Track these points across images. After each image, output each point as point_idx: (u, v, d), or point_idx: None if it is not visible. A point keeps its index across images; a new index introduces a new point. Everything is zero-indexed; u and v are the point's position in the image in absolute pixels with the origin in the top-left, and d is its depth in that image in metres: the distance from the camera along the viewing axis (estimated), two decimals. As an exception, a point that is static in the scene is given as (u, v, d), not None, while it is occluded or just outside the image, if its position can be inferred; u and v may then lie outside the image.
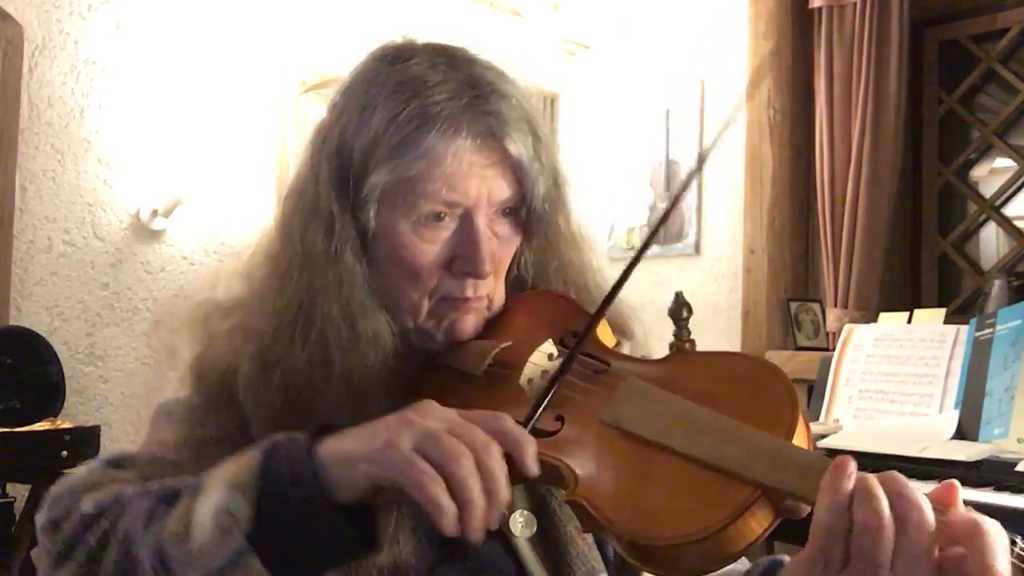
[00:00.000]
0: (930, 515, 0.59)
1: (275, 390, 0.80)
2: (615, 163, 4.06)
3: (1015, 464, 1.59)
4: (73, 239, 3.15)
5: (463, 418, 0.66)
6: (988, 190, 3.30)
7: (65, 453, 2.66)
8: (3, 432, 2.58)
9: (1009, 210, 3.26)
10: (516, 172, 0.86)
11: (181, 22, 3.38)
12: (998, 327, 1.76)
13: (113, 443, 3.15)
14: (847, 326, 2.13)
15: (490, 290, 0.88)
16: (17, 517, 2.77)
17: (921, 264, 3.41)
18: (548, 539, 0.85)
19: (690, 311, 2.91)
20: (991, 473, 1.61)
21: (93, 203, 3.19)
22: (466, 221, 0.84)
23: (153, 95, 3.30)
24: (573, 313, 0.88)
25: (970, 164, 3.36)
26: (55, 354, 2.84)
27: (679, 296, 2.88)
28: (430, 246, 0.84)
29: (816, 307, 3.36)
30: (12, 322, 2.96)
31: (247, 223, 3.57)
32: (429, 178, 0.81)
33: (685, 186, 0.81)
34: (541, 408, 0.72)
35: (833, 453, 1.96)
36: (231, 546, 0.64)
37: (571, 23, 4.30)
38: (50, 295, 3.09)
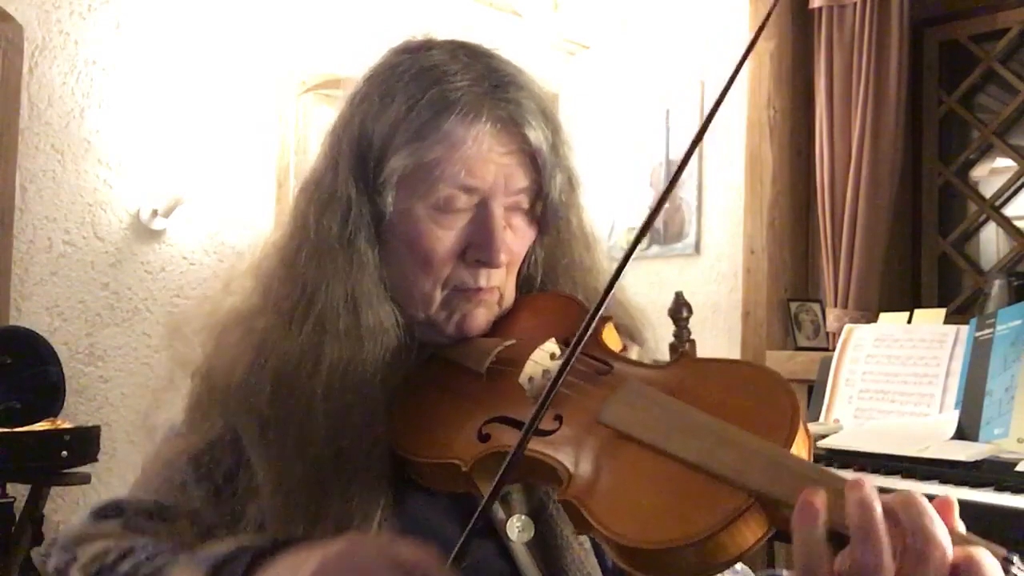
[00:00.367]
0: (950, 552, 0.55)
1: (266, 377, 0.81)
2: (615, 163, 4.06)
3: (1015, 464, 1.59)
4: (73, 239, 3.15)
5: (387, 558, 0.65)
6: (988, 190, 3.30)
7: (65, 453, 2.66)
8: (3, 432, 2.58)
9: (1009, 210, 3.26)
10: (534, 162, 0.86)
11: (181, 22, 3.38)
12: (998, 327, 1.76)
13: (113, 443, 3.16)
14: (847, 326, 2.13)
15: (501, 282, 0.88)
16: (17, 517, 2.77)
17: (921, 264, 3.41)
18: (545, 544, 0.84)
19: (690, 311, 2.92)
20: (991, 473, 1.61)
21: (93, 203, 3.19)
22: (482, 209, 0.84)
23: (153, 95, 3.30)
24: (580, 315, 0.87)
25: (970, 164, 3.36)
26: (55, 354, 2.84)
27: (679, 296, 2.88)
28: (446, 232, 0.84)
29: (816, 307, 3.36)
30: (12, 322, 2.96)
31: (247, 223, 3.57)
32: (448, 161, 0.82)
33: (688, 155, 0.78)
34: (544, 409, 0.71)
35: (833, 453, 1.96)
36: None
37: (571, 23, 4.30)
38: (50, 295, 3.09)
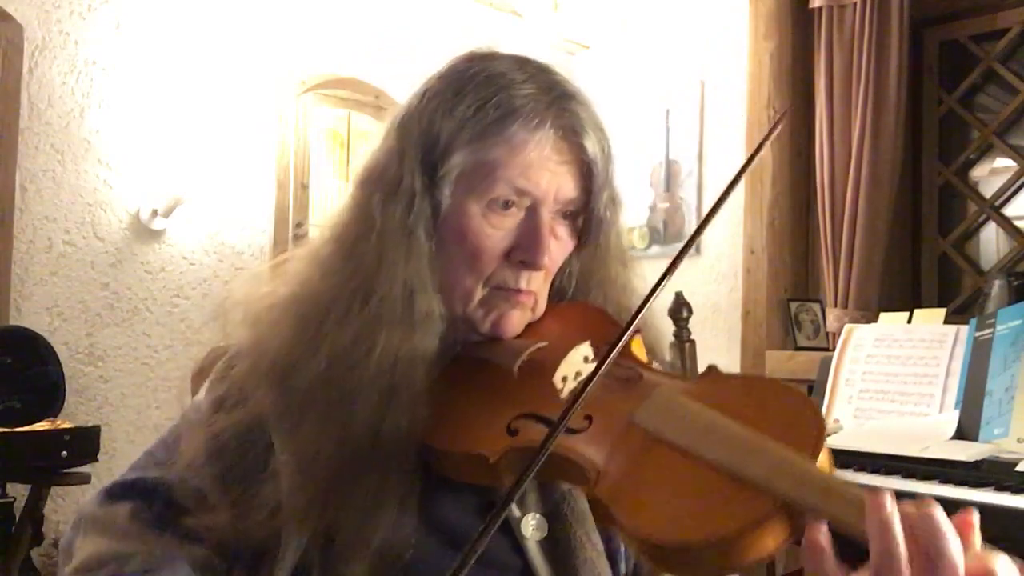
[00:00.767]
0: (961, 571, 0.57)
1: (321, 358, 0.84)
2: (615, 163, 4.06)
3: (1015, 464, 1.59)
4: (73, 239, 3.15)
5: None
6: (988, 190, 3.30)
7: (65, 453, 2.66)
8: (3, 432, 2.58)
9: (1009, 210, 3.26)
10: (586, 174, 0.90)
11: (181, 22, 3.38)
12: (998, 327, 1.76)
13: (113, 443, 3.16)
14: (847, 326, 2.13)
15: (539, 288, 0.92)
16: (17, 517, 2.77)
17: (921, 264, 3.41)
18: (558, 543, 0.86)
19: (690, 311, 2.91)
20: (991, 473, 1.61)
21: (93, 203, 3.20)
22: (531, 213, 0.88)
23: (153, 95, 3.31)
24: (609, 325, 0.90)
25: (970, 164, 3.36)
26: (55, 354, 2.84)
27: (679, 296, 2.88)
28: (495, 231, 0.88)
29: (816, 307, 3.36)
30: (12, 322, 2.96)
31: (247, 223, 3.57)
32: (507, 164, 0.86)
33: (732, 185, 0.83)
34: (576, 406, 0.72)
35: (833, 453, 1.95)
36: None
37: (571, 23, 4.30)
38: (50, 295, 3.09)
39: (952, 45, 3.37)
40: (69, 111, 3.14)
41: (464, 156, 0.87)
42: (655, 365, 0.92)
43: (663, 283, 0.80)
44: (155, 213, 3.30)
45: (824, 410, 2.09)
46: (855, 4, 3.24)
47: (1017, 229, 3.22)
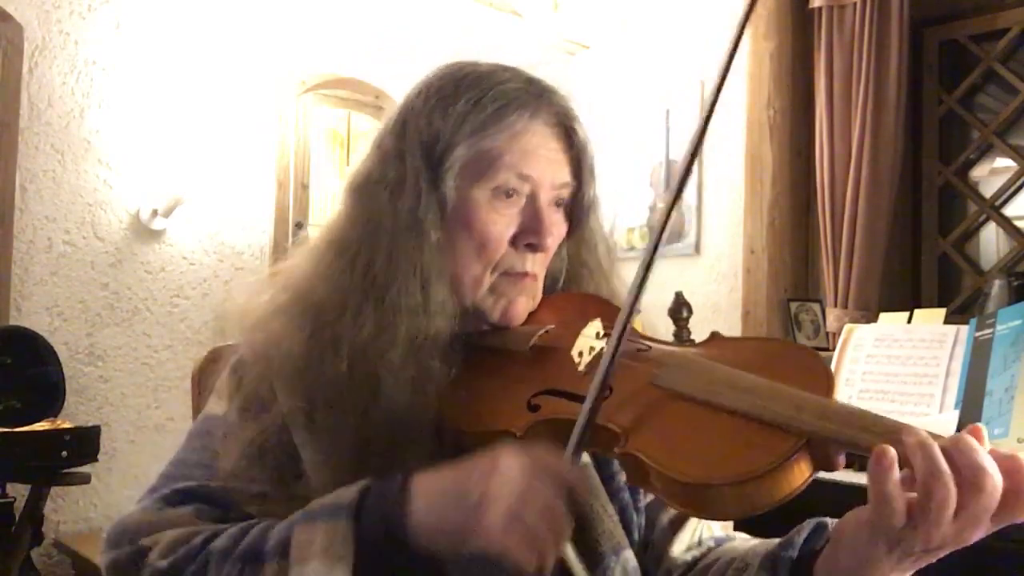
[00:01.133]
0: (999, 480, 0.64)
1: (343, 361, 0.86)
2: (615, 163, 4.06)
3: (1015, 464, 1.59)
4: (73, 239, 3.15)
5: (536, 474, 0.72)
6: (988, 190, 3.30)
7: (65, 453, 2.66)
8: (3, 432, 2.58)
9: (1009, 210, 3.26)
10: (576, 161, 0.96)
11: (181, 22, 3.38)
12: (998, 327, 1.76)
13: (113, 443, 3.16)
14: (847, 326, 2.13)
15: (540, 271, 0.96)
16: (17, 517, 2.77)
17: (921, 264, 3.41)
18: (577, 518, 0.88)
19: (690, 311, 2.91)
20: (991, 473, 1.61)
21: (93, 203, 3.20)
22: (532, 198, 0.93)
23: (153, 95, 3.31)
24: (608, 306, 0.95)
25: (970, 164, 3.36)
26: (55, 354, 2.84)
27: (679, 296, 2.88)
28: (501, 218, 0.92)
29: (816, 307, 3.36)
30: (12, 322, 2.96)
31: (247, 223, 3.57)
32: (508, 151, 0.91)
33: (697, 145, 0.85)
34: (610, 368, 0.76)
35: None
36: None
37: (571, 23, 4.30)
38: (50, 295, 3.09)
39: (952, 45, 3.37)
40: (69, 111, 3.14)
41: (466, 148, 0.91)
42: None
43: (661, 237, 0.83)
44: (155, 213, 3.30)
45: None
46: (855, 4, 3.24)
47: (1017, 229, 3.22)
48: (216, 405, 0.93)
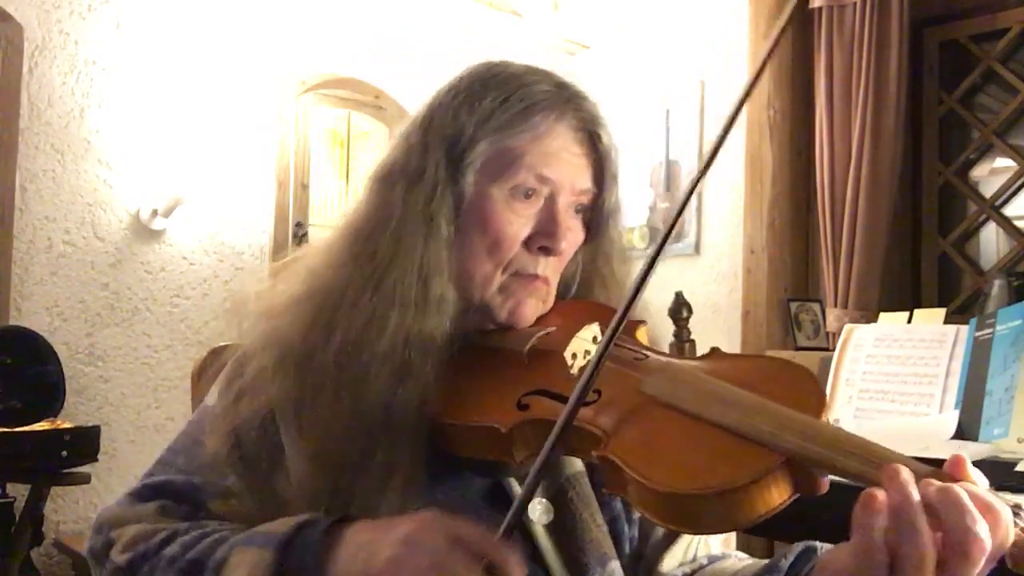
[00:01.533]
0: (988, 544, 0.61)
1: (334, 341, 0.86)
2: (621, 163, 4.06)
3: (1015, 464, 1.59)
4: (73, 239, 3.15)
5: (451, 548, 0.70)
6: (988, 190, 3.30)
7: (65, 453, 2.66)
8: (3, 432, 2.58)
9: (1009, 210, 3.26)
10: (599, 168, 0.96)
11: (181, 22, 3.38)
12: (998, 327, 1.76)
13: (113, 443, 3.16)
14: (847, 326, 2.12)
15: (552, 275, 0.96)
16: (17, 517, 2.77)
17: (921, 264, 3.41)
18: (564, 526, 0.89)
19: (690, 311, 2.91)
20: (991, 473, 1.60)
21: (93, 203, 3.20)
22: (550, 202, 0.93)
23: (153, 95, 3.31)
24: (612, 316, 0.92)
25: (970, 164, 3.36)
26: (55, 354, 2.84)
27: (679, 296, 2.88)
28: (517, 218, 0.92)
29: (816, 307, 3.36)
30: (12, 322, 2.96)
31: (247, 223, 3.57)
32: (529, 151, 0.91)
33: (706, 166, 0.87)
34: (595, 374, 0.75)
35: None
36: None
37: (571, 23, 4.30)
38: (50, 295, 3.09)
39: (952, 45, 3.37)
40: (69, 111, 3.14)
41: (488, 144, 0.91)
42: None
43: (667, 239, 0.83)
44: (155, 213, 3.30)
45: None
46: (855, 4, 3.24)
47: (1017, 229, 3.22)
48: (211, 396, 0.95)
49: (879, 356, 2.00)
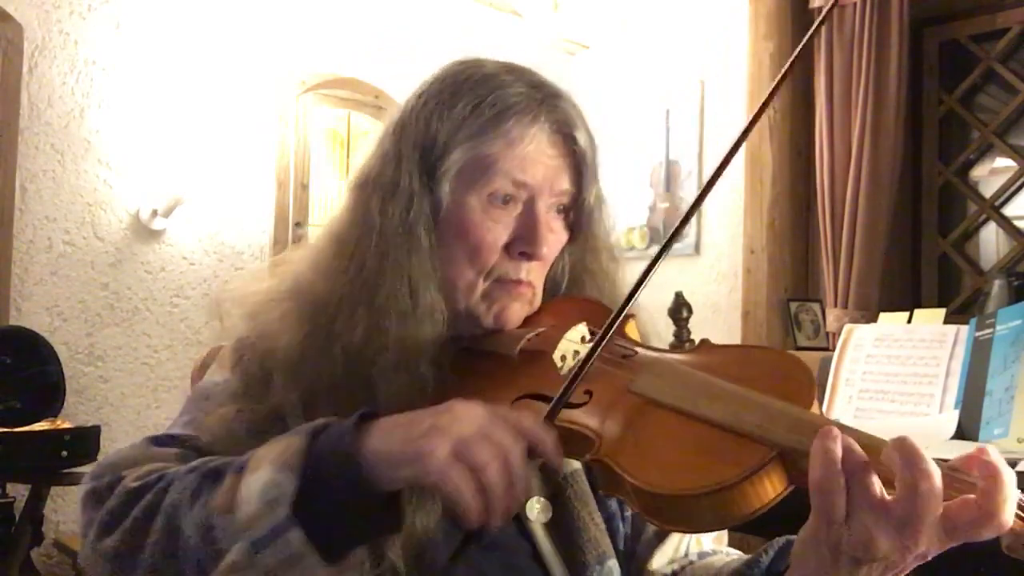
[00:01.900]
0: (939, 483, 0.63)
1: (337, 361, 0.86)
2: (615, 163, 4.06)
3: (1015, 464, 1.59)
4: (73, 239, 3.15)
5: (492, 419, 0.70)
6: (988, 190, 3.30)
7: (65, 453, 2.66)
8: (3, 432, 2.58)
9: (1009, 210, 3.26)
10: (577, 168, 0.95)
11: (181, 22, 3.38)
12: (998, 327, 1.76)
13: (113, 443, 3.15)
14: (847, 326, 2.12)
15: (537, 279, 0.95)
16: (17, 517, 2.77)
17: (921, 264, 3.41)
18: (562, 524, 0.89)
19: (690, 311, 2.91)
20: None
21: (93, 203, 3.20)
22: (529, 205, 0.92)
23: (153, 95, 3.31)
24: (603, 310, 0.93)
25: (970, 164, 3.36)
26: (55, 354, 2.84)
27: (679, 296, 2.88)
28: (496, 224, 0.91)
29: (816, 307, 3.36)
30: (12, 322, 2.96)
31: (247, 223, 3.57)
32: (504, 157, 0.90)
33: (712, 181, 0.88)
34: (575, 383, 0.76)
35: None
36: (275, 519, 0.68)
37: (571, 23, 4.30)
38: (50, 295, 3.09)
39: (952, 45, 3.37)
40: (69, 111, 3.14)
41: (463, 152, 0.90)
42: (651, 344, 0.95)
43: (665, 253, 0.82)
44: (155, 213, 3.30)
45: (824, 410, 2.09)
46: (855, 4, 3.24)
47: (1017, 229, 3.22)
48: (217, 373, 0.95)
49: (879, 356, 2.00)
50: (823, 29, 3.34)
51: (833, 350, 2.17)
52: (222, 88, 3.47)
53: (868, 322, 2.24)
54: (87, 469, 2.97)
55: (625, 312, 0.81)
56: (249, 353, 0.92)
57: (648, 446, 0.73)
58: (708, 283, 3.77)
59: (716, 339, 0.91)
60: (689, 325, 2.89)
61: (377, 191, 0.92)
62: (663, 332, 1.05)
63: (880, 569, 0.65)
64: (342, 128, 3.98)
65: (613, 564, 0.89)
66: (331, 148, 3.95)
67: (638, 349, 0.87)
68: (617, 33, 4.23)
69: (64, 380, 2.84)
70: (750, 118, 0.85)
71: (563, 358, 0.88)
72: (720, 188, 3.71)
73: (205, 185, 3.39)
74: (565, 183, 0.94)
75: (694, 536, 0.97)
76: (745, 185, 3.60)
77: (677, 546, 0.96)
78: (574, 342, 0.89)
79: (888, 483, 0.64)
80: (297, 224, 3.73)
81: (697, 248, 3.83)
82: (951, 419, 1.79)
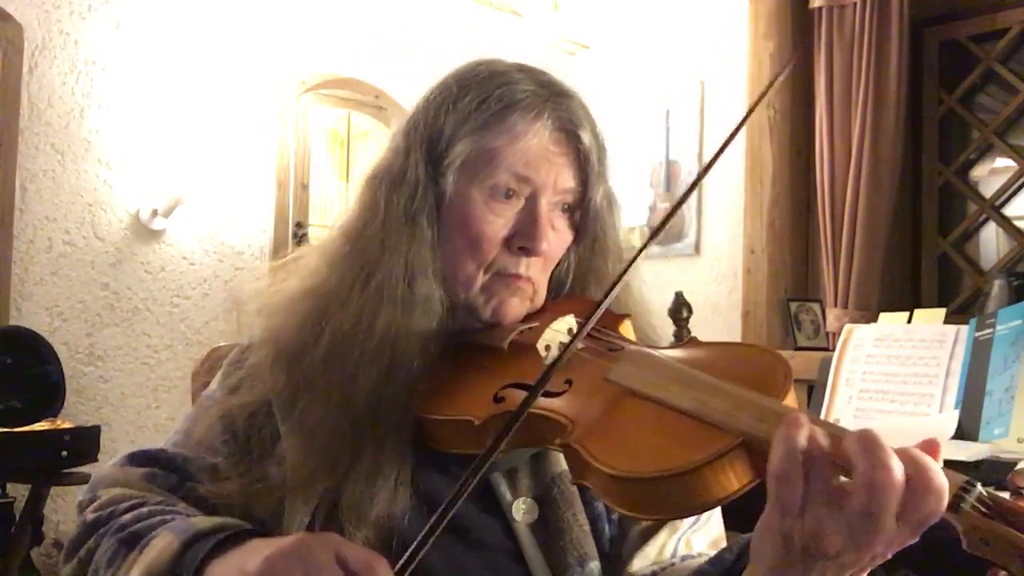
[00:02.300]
0: (899, 476, 0.60)
1: (324, 338, 0.88)
2: (615, 163, 4.05)
3: (1015, 464, 1.59)
4: (73, 239, 3.15)
5: (344, 557, 0.70)
6: (988, 190, 3.30)
7: (65, 453, 2.66)
8: (3, 432, 2.58)
9: (1009, 210, 3.26)
10: (582, 166, 0.95)
11: (181, 22, 3.38)
12: (998, 327, 1.76)
13: (113, 443, 3.16)
14: (847, 326, 2.13)
15: (537, 276, 0.96)
16: (17, 517, 2.77)
17: (921, 264, 3.41)
18: (547, 526, 0.90)
19: (690, 311, 2.92)
20: (991, 473, 1.61)
21: (93, 203, 3.20)
22: (531, 201, 0.93)
23: (153, 95, 3.31)
24: (593, 310, 0.93)
25: (970, 164, 3.36)
26: (55, 354, 2.84)
27: (679, 296, 2.88)
28: (497, 218, 0.92)
29: (816, 307, 3.36)
30: (12, 322, 2.96)
31: (247, 223, 3.57)
32: (508, 152, 0.91)
33: (696, 181, 0.89)
34: (555, 367, 0.77)
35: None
36: None
37: (571, 23, 4.30)
38: (50, 295, 3.09)
39: (952, 45, 3.38)
40: (69, 111, 3.14)
41: (467, 145, 0.91)
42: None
43: (658, 234, 0.83)
44: (155, 213, 3.30)
45: (824, 410, 2.09)
46: (855, 4, 3.25)
47: (1017, 229, 3.22)
48: (214, 383, 0.99)
49: (879, 356, 2.00)
50: (823, 29, 3.34)
51: (833, 350, 2.17)
52: (222, 88, 3.47)
53: (868, 322, 2.24)
54: (87, 469, 2.98)
55: (620, 312, 0.82)
56: (250, 356, 0.95)
57: (616, 432, 0.74)
58: (708, 283, 3.77)
59: (716, 339, 0.91)
60: (689, 325, 2.89)
61: (385, 182, 0.94)
62: (664, 334, 1.05)
63: (835, 569, 0.63)
64: (342, 128, 3.98)
65: (595, 566, 0.89)
66: (331, 148, 3.95)
67: (627, 344, 0.88)
68: (617, 33, 4.23)
69: (64, 380, 2.84)
70: (739, 120, 0.85)
71: (547, 348, 0.89)
72: (720, 188, 3.74)
73: (205, 185, 3.39)
74: (569, 181, 0.94)
75: (683, 538, 0.95)
76: (745, 185, 3.60)
77: (661, 548, 0.94)
78: (559, 332, 0.91)
79: (849, 475, 0.62)
80: (297, 224, 3.73)
81: (697, 248, 3.83)
82: (951, 419, 1.79)
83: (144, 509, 0.86)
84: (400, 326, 0.88)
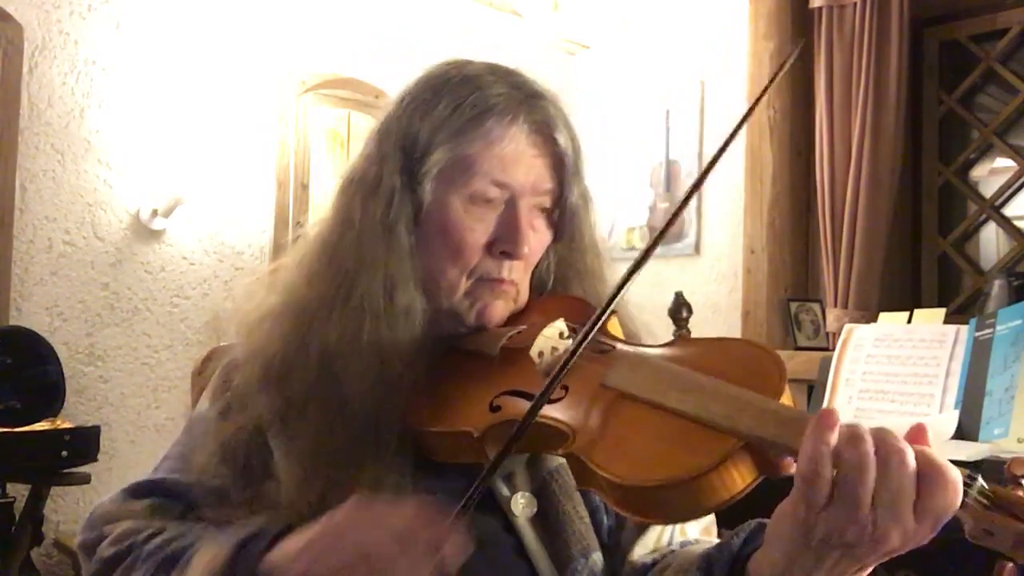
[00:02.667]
0: (911, 460, 0.63)
1: (313, 358, 0.88)
2: (615, 163, 4.06)
3: (1015, 464, 1.59)
4: (73, 239, 3.15)
5: (392, 525, 0.71)
6: (988, 190, 3.30)
7: (65, 453, 2.66)
8: (3, 432, 2.58)
9: (1009, 210, 3.26)
10: (559, 167, 0.95)
11: (181, 22, 3.38)
12: (998, 327, 1.76)
13: (113, 443, 3.16)
14: (847, 326, 2.13)
15: (520, 278, 0.96)
16: (17, 517, 2.77)
17: (921, 264, 3.41)
18: (547, 519, 0.90)
19: (690, 311, 2.92)
20: (991, 473, 1.60)
21: (93, 203, 3.19)
22: (510, 205, 0.93)
23: (153, 95, 3.30)
24: (585, 307, 0.94)
25: (970, 164, 3.36)
26: (55, 354, 2.84)
27: (679, 296, 2.89)
28: (477, 224, 0.92)
29: (816, 307, 3.36)
30: (12, 322, 2.96)
31: (247, 223, 3.57)
32: (485, 158, 0.91)
33: (699, 182, 0.89)
34: (556, 381, 0.77)
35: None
36: None
37: (571, 23, 4.30)
38: (50, 295, 3.09)
39: (952, 45, 3.37)
40: (69, 111, 3.14)
41: (443, 153, 0.91)
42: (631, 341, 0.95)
43: (656, 244, 0.83)
44: (155, 213, 3.29)
45: (824, 410, 2.08)
46: (855, 4, 3.25)
47: (1017, 229, 3.22)
48: (204, 402, 0.98)
49: (879, 356, 2.00)
50: (823, 29, 3.34)
51: (833, 350, 2.17)
52: (222, 88, 3.47)
53: (868, 322, 2.24)
54: (87, 469, 2.97)
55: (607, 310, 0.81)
56: (236, 374, 0.94)
57: (618, 439, 0.74)
58: (708, 283, 3.76)
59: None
60: (689, 325, 2.89)
61: (359, 191, 0.93)
62: (658, 330, 1.05)
63: (850, 559, 0.66)
64: (342, 128, 3.98)
65: (597, 557, 0.90)
66: (331, 148, 3.95)
67: (616, 344, 0.88)
68: (617, 33, 4.22)
69: (64, 380, 2.84)
70: (739, 120, 0.86)
71: (540, 354, 0.89)
72: (720, 188, 3.74)
73: (205, 185, 3.39)
74: (547, 183, 0.95)
75: (678, 526, 0.97)
76: (745, 185, 3.60)
77: (659, 536, 0.96)
78: (551, 338, 0.90)
79: None
80: (297, 224, 3.71)
81: (697, 248, 3.83)
82: (951, 419, 1.79)
83: (167, 535, 0.86)
84: (385, 339, 0.88)
